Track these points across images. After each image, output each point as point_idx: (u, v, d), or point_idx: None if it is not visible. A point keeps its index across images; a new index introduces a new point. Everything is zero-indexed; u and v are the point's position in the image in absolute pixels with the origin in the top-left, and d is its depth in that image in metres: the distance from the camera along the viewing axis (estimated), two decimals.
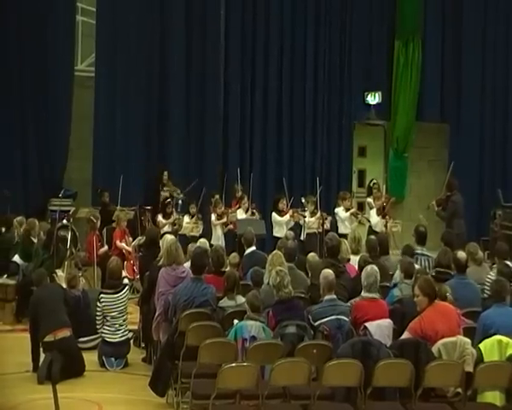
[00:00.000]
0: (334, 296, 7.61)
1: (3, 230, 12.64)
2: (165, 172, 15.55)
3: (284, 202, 14.30)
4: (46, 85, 15.88)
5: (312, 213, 14.24)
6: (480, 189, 17.74)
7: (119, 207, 14.47)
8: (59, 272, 10.20)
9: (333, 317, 7.39)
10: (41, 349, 8.89)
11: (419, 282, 7.24)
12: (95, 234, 13.26)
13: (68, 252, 12.51)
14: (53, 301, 8.90)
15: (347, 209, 14.41)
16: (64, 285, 9.80)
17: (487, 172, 17.45)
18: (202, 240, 10.60)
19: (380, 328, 7.38)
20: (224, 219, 14.16)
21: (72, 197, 15.63)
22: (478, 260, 9.50)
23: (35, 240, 11.90)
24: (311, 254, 9.80)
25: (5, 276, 11.59)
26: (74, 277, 10.12)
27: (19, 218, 12.66)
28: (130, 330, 9.54)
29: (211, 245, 10.97)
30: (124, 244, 13.34)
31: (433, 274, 8.68)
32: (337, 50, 17.61)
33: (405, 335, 7.12)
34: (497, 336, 6.96)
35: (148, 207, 15.18)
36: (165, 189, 15.15)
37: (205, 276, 8.77)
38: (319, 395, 6.58)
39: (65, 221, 14.05)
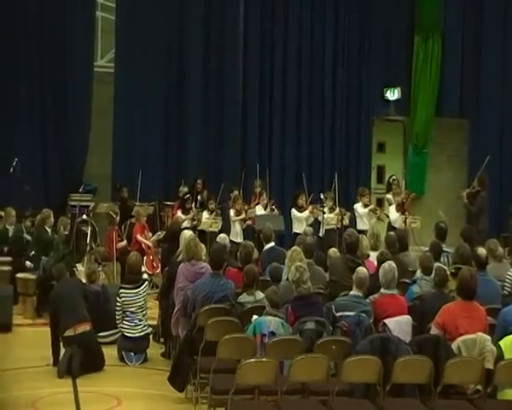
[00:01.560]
0: (361, 294, 7.62)
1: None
2: (199, 180, 15.30)
3: (303, 197, 14.28)
4: (66, 81, 15.95)
5: (331, 209, 14.22)
6: (499, 185, 17.62)
7: (138, 203, 14.53)
8: (79, 267, 10.26)
9: (353, 313, 7.39)
10: (61, 344, 8.94)
11: None
12: (114, 229, 13.33)
13: (88, 247, 12.59)
14: (73, 296, 8.95)
15: (366, 205, 14.38)
16: (84, 280, 9.85)
17: (507, 169, 17.33)
18: (222, 235, 10.62)
19: (399, 324, 7.37)
20: (243, 215, 14.15)
21: (92, 193, 15.70)
22: (498, 257, 9.44)
23: (49, 230, 11.99)
24: (333, 249, 9.81)
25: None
26: (94, 272, 10.18)
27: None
28: (149, 326, 9.58)
29: (230, 241, 10.99)
30: (143, 239, 13.38)
31: (453, 270, 8.64)
32: (356, 46, 17.56)
33: (432, 329, 7.13)
34: None
35: (168, 203, 15.21)
36: (198, 197, 14.99)
37: (228, 270, 8.82)
38: (338, 391, 6.57)
39: (85, 216, 14.13)
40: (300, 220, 13.95)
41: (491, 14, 17.76)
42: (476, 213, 14.08)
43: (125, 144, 16.37)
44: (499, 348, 6.88)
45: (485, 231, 13.87)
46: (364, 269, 7.82)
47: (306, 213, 14.01)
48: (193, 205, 14.39)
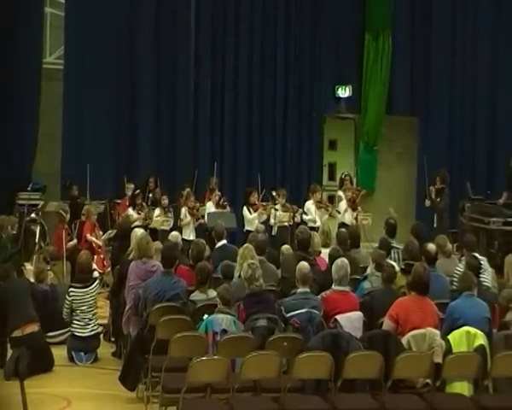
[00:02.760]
0: (308, 290, 7.63)
1: None
2: (151, 179, 15.22)
3: (255, 195, 14.29)
4: (14, 79, 15.68)
5: (283, 207, 14.25)
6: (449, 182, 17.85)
7: (88, 201, 14.38)
8: (28, 266, 10.11)
9: (304, 310, 7.41)
10: (9, 345, 8.80)
11: None
12: (64, 228, 13.16)
13: (37, 246, 12.41)
14: (20, 296, 8.82)
15: (318, 202, 14.46)
16: (32, 280, 9.71)
17: (456, 166, 17.56)
18: (174, 233, 10.58)
19: (350, 320, 7.42)
20: (194, 214, 14.04)
21: (41, 191, 15.48)
22: (447, 253, 9.57)
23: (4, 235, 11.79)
24: (286, 246, 9.82)
25: None
26: (42, 271, 10.04)
27: None
28: (99, 325, 9.49)
29: (182, 239, 10.95)
30: (94, 238, 13.25)
31: (402, 267, 8.73)
32: (307, 44, 17.59)
33: (385, 323, 7.20)
34: (466, 328, 7.03)
35: (119, 201, 15.09)
36: (150, 195, 14.88)
37: (180, 268, 8.78)
38: (290, 388, 6.59)
39: (33, 215, 13.94)
40: (251, 221, 13.94)
41: (440, 12, 17.95)
42: (442, 211, 14.31)
43: (75, 142, 16.18)
44: (448, 342, 6.98)
45: (448, 227, 14.17)
46: (306, 264, 7.79)
47: (255, 214, 13.98)
48: (144, 203, 14.28)
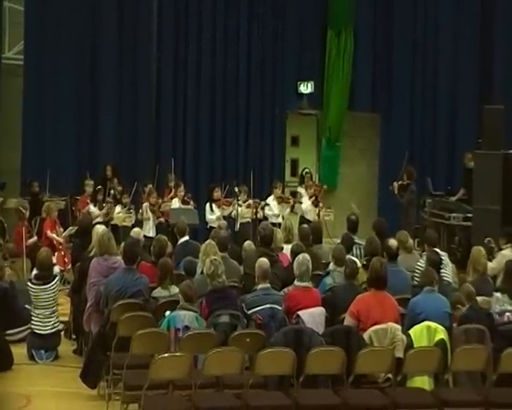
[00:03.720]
0: (268, 285, 7.64)
1: None
2: (109, 167, 15.20)
3: (219, 190, 14.29)
4: None
5: (245, 203, 14.26)
6: None
7: (47, 197, 14.25)
8: None
9: (266, 306, 7.41)
10: None
11: None
12: (24, 225, 13.02)
13: None
14: None
15: (278, 198, 14.51)
16: None
17: (417, 161, 17.67)
18: (136, 230, 10.51)
19: (312, 316, 7.45)
20: (155, 211, 13.97)
21: (1, 188, 15.28)
22: (408, 248, 9.64)
23: None
24: (248, 242, 9.81)
25: None
26: (1, 268, 9.90)
27: None
28: (60, 322, 9.39)
29: (143, 235, 10.88)
30: (54, 235, 13.12)
31: (364, 262, 8.78)
32: (270, 40, 17.60)
33: (346, 320, 7.25)
34: (426, 322, 7.10)
35: (79, 198, 14.95)
36: (107, 183, 14.78)
37: (142, 264, 8.73)
38: (252, 384, 6.60)
39: None
40: (211, 221, 13.91)
41: (402, 8, 18.06)
42: (406, 206, 14.41)
43: (35, 138, 16.02)
44: (409, 337, 7.05)
45: (414, 223, 14.28)
46: (265, 260, 7.80)
47: (215, 215, 13.94)
48: (106, 199, 14.18)
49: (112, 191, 14.64)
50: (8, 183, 15.47)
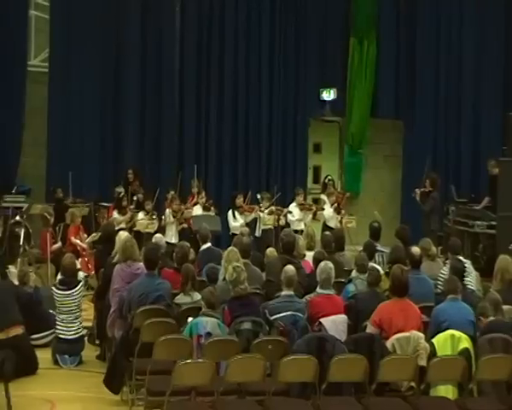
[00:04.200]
0: (292, 293, 7.64)
1: None
2: (130, 171, 15.33)
3: (241, 198, 14.32)
4: None
5: (268, 210, 14.28)
6: None
7: (71, 203, 14.36)
8: (11, 269, 10.05)
9: (288, 313, 7.41)
10: None
11: None
12: (48, 231, 13.12)
13: (21, 249, 12.35)
14: (5, 299, 8.76)
15: (300, 204, 14.52)
16: (16, 282, 9.66)
17: (441, 168, 17.61)
18: (158, 235, 10.55)
19: (335, 324, 7.43)
20: (178, 218, 14.04)
21: (26, 194, 15.41)
22: (431, 256, 9.60)
23: None
24: (270, 249, 9.82)
25: None
26: (26, 273, 9.99)
27: None
28: (84, 327, 9.45)
29: (166, 242, 10.92)
30: (78, 241, 13.21)
31: (387, 270, 8.75)
32: (292, 47, 17.62)
33: (368, 329, 7.22)
34: (450, 331, 7.05)
35: (104, 204, 15.06)
36: (129, 188, 14.93)
37: (164, 271, 8.77)
38: (274, 391, 6.60)
39: (18, 218, 13.88)
40: (234, 228, 13.94)
41: (425, 15, 18.03)
42: (428, 214, 14.34)
43: (60, 145, 16.15)
44: (432, 345, 7.00)
45: (437, 230, 14.21)
46: (291, 267, 7.81)
47: (239, 223, 13.95)
48: (130, 206, 14.26)
49: (134, 197, 14.73)
50: (33, 189, 15.63)
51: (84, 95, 16.34)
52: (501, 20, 17.95)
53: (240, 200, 14.28)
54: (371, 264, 8.80)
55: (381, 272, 8.59)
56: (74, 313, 9.19)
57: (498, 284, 8.55)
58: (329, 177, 15.82)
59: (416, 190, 14.81)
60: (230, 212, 14.22)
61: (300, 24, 17.62)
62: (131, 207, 14.34)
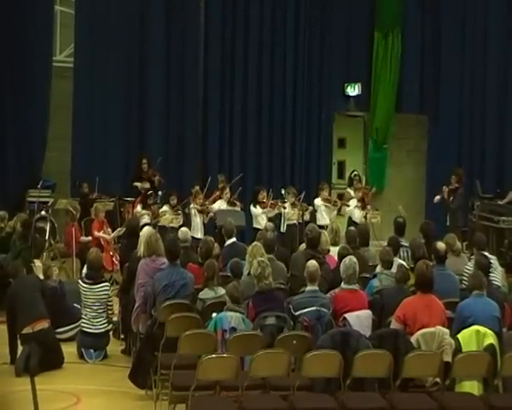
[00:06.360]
0: (317, 288, 7.62)
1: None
2: (144, 160, 15.47)
3: (264, 193, 14.29)
4: (24, 76, 15.74)
5: (293, 205, 14.25)
6: None
7: (95, 196, 14.45)
8: (37, 263, 10.12)
9: (313, 308, 7.41)
10: (19, 341, 8.83)
11: None
12: (74, 225, 13.19)
13: (47, 243, 12.42)
14: (30, 293, 8.84)
15: (326, 200, 14.49)
16: (41, 276, 9.75)
17: (466, 164, 17.52)
18: (184, 229, 10.55)
19: (359, 319, 7.42)
20: (203, 211, 14.06)
21: (51, 188, 15.53)
22: (456, 251, 9.55)
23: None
24: (303, 245, 9.76)
25: None
26: (49, 267, 10.06)
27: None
28: (109, 322, 9.50)
29: (191, 237, 10.94)
30: (102, 234, 13.24)
31: (412, 266, 8.71)
32: (317, 42, 17.57)
33: (392, 324, 7.19)
34: (475, 327, 7.01)
35: (128, 199, 15.12)
36: (143, 176, 15.04)
37: (189, 266, 8.81)
38: (299, 386, 6.60)
39: (43, 212, 13.98)
40: (256, 217, 13.95)
41: (450, 10, 17.91)
42: (455, 210, 14.28)
43: (85, 140, 16.22)
44: (457, 341, 6.97)
45: (462, 226, 14.18)
46: (314, 262, 7.79)
47: (260, 210, 13.98)
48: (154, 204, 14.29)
49: (160, 193, 14.75)
50: (58, 184, 15.74)
51: (109, 90, 16.39)
52: None
53: (262, 195, 14.25)
54: (396, 259, 8.77)
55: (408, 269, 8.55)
56: (99, 308, 9.23)
57: None
58: (355, 172, 15.78)
59: (444, 187, 14.72)
60: (252, 206, 14.20)
61: (325, 18, 17.56)
62: (152, 200, 14.34)
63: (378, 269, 8.78)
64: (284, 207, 14.17)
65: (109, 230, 13.55)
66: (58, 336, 9.28)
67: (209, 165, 16.16)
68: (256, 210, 14.04)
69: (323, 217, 14.20)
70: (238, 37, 17.10)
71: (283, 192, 14.58)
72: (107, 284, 9.50)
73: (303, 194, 14.46)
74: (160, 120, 16.71)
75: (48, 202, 14.73)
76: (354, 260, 7.81)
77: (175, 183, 15.22)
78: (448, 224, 14.15)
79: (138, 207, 14.16)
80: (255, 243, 9.03)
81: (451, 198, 14.46)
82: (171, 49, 16.76)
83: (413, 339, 6.98)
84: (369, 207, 14.60)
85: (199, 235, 13.37)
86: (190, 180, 15.54)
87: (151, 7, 16.55)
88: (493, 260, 9.19)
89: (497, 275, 9.17)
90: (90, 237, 13.17)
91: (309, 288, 7.61)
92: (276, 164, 17.33)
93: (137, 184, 15.22)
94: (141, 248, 9.02)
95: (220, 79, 17.01)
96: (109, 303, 9.38)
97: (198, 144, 16.88)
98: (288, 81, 17.43)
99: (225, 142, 17.13)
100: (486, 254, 9.11)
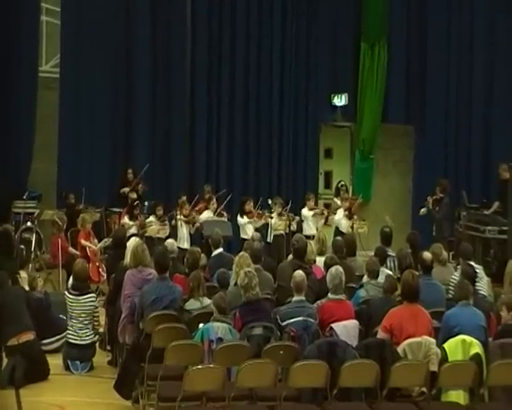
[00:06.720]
0: (303, 298, 7.63)
1: None
2: (130, 170, 15.48)
3: (251, 203, 14.30)
4: (10, 87, 15.69)
5: (279, 215, 14.27)
6: None
7: (81, 207, 14.41)
8: (22, 275, 10.07)
9: (300, 318, 7.40)
10: (3, 353, 8.77)
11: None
12: (60, 236, 13.14)
13: (33, 254, 12.37)
14: (15, 304, 8.78)
15: (312, 209, 14.52)
16: (27, 287, 9.69)
17: (452, 174, 17.60)
18: (170, 241, 10.54)
19: (346, 329, 7.42)
20: (189, 221, 14.07)
21: (37, 199, 15.47)
22: (442, 261, 9.57)
23: None
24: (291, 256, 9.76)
25: None
26: (34, 279, 10.02)
27: None
28: (95, 333, 9.46)
29: (178, 247, 10.92)
30: (88, 243, 13.19)
31: (399, 276, 8.72)
32: (303, 52, 17.64)
33: (378, 335, 7.21)
34: (461, 336, 7.02)
35: (115, 210, 15.09)
36: (125, 189, 15.01)
37: (176, 277, 8.78)
38: (286, 397, 6.59)
39: (29, 224, 13.92)
40: (243, 227, 13.97)
41: (436, 21, 18.01)
42: (440, 220, 14.33)
43: (71, 150, 16.17)
44: (443, 350, 6.98)
45: (448, 236, 14.22)
46: (301, 272, 7.80)
47: (246, 219, 14.00)
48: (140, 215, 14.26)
49: (146, 203, 14.73)
50: (45, 195, 15.67)
51: (95, 100, 16.37)
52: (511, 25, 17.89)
53: (249, 205, 14.26)
54: (387, 271, 8.79)
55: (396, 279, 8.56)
56: (85, 319, 9.19)
57: (508, 288, 8.53)
58: (342, 182, 15.82)
59: (428, 198, 14.77)
60: (239, 217, 14.21)
61: (311, 29, 17.62)
62: (138, 210, 14.32)
63: (365, 279, 8.79)
64: (271, 218, 14.18)
65: (95, 241, 13.50)
66: (43, 348, 9.22)
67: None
68: (243, 220, 14.06)
69: (310, 227, 14.23)
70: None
71: (270, 202, 14.59)
72: (93, 294, 9.45)
73: (290, 204, 14.48)
74: (147, 131, 16.70)
75: (34, 213, 14.67)
76: (341, 269, 7.81)
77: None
78: (434, 234, 14.17)
79: (125, 218, 14.12)
80: (242, 253, 9.02)
81: (437, 208, 14.50)
82: (158, 60, 16.76)
83: (399, 349, 6.99)
84: (355, 217, 14.63)
85: (185, 245, 13.38)
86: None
87: (138, 16, 16.55)
88: (479, 269, 9.22)
89: (483, 285, 9.20)
90: (75, 250, 13.10)
91: (296, 298, 7.60)
92: (263, 174, 17.34)
93: (125, 189, 15.20)
94: (127, 259, 9.00)
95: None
96: (95, 314, 9.34)
97: (185, 154, 16.85)
98: (275, 91, 17.46)
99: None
100: (472, 263, 9.14)
